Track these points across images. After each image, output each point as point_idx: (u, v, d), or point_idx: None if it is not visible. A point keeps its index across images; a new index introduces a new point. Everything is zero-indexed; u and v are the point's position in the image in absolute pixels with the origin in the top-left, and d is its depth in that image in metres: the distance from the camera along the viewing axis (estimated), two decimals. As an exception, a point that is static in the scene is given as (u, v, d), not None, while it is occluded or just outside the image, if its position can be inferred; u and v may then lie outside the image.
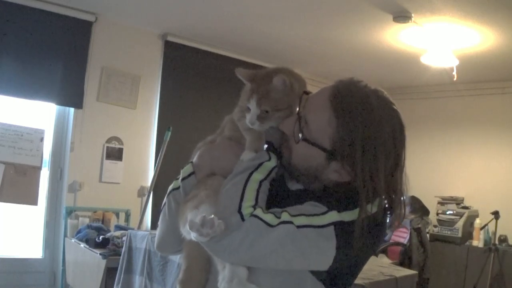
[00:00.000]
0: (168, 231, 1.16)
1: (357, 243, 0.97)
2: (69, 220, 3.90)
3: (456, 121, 5.65)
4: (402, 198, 1.03)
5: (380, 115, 0.99)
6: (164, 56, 4.56)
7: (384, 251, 4.82)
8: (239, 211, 0.98)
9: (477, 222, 4.98)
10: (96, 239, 3.38)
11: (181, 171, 1.17)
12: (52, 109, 4.13)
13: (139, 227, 3.52)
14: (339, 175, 1.03)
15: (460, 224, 5.02)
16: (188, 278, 1.12)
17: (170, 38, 4.54)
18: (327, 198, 1.01)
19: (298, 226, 0.96)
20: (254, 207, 0.99)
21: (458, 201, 5.24)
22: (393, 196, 1.02)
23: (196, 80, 4.76)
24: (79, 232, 3.67)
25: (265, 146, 1.10)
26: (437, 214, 5.22)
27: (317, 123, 1.02)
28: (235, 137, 1.15)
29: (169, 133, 3.59)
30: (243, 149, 1.10)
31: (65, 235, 3.89)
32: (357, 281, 1.30)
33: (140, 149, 4.46)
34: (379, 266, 2.80)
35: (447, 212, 5.15)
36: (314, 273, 1.02)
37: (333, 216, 0.97)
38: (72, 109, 4.09)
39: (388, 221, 1.06)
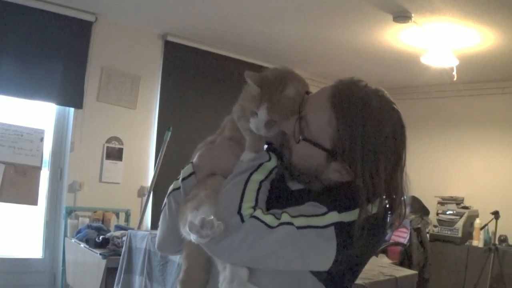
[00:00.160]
0: (169, 231, 1.16)
1: (357, 243, 0.97)
2: (69, 220, 3.90)
3: (456, 121, 5.65)
4: (402, 198, 1.03)
5: (380, 115, 0.99)
6: (164, 56, 4.56)
7: (384, 251, 4.82)
8: (239, 212, 0.98)
9: (477, 222, 4.97)
10: (96, 239, 3.38)
11: (181, 171, 1.17)
12: (52, 109, 4.12)
13: (139, 227, 3.52)
14: (340, 175, 1.02)
15: (460, 224, 5.02)
16: (188, 278, 1.12)
17: (170, 38, 4.54)
18: (327, 199, 1.00)
19: (298, 227, 0.96)
20: (254, 208, 0.99)
21: (458, 201, 5.24)
22: (394, 196, 1.02)
23: (196, 80, 4.76)
24: (79, 232, 3.67)
25: (265, 146, 1.10)
26: (437, 214, 5.22)
27: (318, 123, 1.02)
28: (235, 137, 1.15)
29: (169, 133, 3.59)
30: (243, 150, 1.10)
31: (65, 235, 3.89)
32: (357, 281, 1.30)
33: (140, 149, 4.46)
34: (379, 266, 2.80)
35: (447, 212, 5.16)
36: (314, 273, 1.02)
37: (333, 216, 0.97)
38: (72, 109, 4.09)
39: (388, 221, 1.06)
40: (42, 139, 3.64)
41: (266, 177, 1.04)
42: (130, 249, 3.00)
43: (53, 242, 4.10)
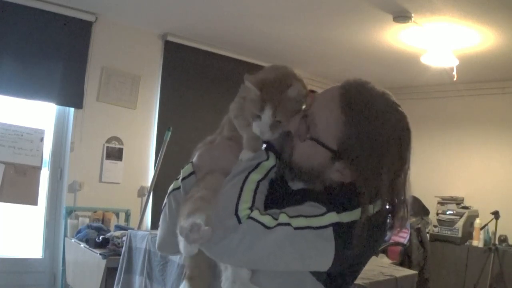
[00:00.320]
0: (169, 231, 1.15)
1: (357, 243, 0.97)
2: (69, 220, 3.90)
3: (456, 121, 5.65)
4: (405, 202, 1.03)
5: (387, 118, 0.99)
6: (164, 56, 4.56)
7: (384, 251, 4.82)
8: (236, 214, 0.98)
9: (477, 222, 4.98)
10: (96, 239, 3.38)
11: (181, 171, 1.17)
12: (52, 109, 4.13)
13: (139, 227, 3.52)
14: (341, 175, 1.02)
15: (460, 224, 5.02)
16: (196, 274, 1.12)
17: (170, 38, 4.54)
18: (327, 199, 1.00)
19: (296, 228, 0.95)
20: (251, 208, 0.99)
21: (458, 201, 5.24)
22: (396, 199, 1.02)
23: (196, 80, 4.76)
24: (79, 232, 3.67)
25: (264, 145, 1.10)
26: (437, 214, 5.22)
27: (325, 123, 1.01)
28: (235, 137, 1.15)
29: (169, 133, 3.59)
30: (242, 149, 1.10)
31: (65, 235, 3.89)
32: (357, 281, 1.30)
33: (140, 149, 4.46)
34: (379, 266, 2.80)
35: (447, 212, 5.16)
36: (314, 274, 1.01)
37: (332, 217, 0.97)
38: (72, 109, 4.09)
39: (388, 222, 1.06)
40: (42, 139, 3.64)
41: (265, 176, 1.04)
42: (130, 249, 3.00)
43: (53, 242, 4.10)
